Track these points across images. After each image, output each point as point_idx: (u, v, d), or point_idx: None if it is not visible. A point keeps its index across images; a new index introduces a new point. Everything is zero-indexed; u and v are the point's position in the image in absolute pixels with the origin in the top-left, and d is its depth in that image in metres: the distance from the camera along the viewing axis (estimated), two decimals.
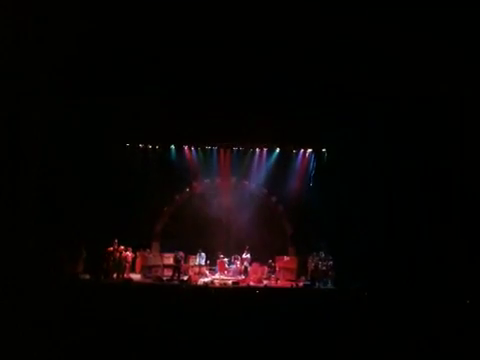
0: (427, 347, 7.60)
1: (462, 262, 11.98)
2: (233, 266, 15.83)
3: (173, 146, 17.38)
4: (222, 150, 17.49)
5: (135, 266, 15.71)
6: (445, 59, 11.49)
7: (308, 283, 14.67)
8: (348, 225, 15.03)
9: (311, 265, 15.19)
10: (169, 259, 15.39)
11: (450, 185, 12.97)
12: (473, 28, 10.55)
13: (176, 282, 14.51)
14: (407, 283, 12.49)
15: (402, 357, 7.44)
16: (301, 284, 14.58)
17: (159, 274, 15.12)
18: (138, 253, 15.67)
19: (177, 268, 14.89)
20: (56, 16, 10.65)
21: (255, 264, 15.54)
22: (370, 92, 13.21)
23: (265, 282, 14.82)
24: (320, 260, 14.99)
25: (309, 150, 17.33)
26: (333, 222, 15.34)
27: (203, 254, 15.71)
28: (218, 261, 15.93)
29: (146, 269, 15.38)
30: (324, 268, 14.83)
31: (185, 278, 14.77)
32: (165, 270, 15.34)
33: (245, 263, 15.61)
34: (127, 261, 15.10)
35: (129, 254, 15.17)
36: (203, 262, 15.68)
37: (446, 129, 12.90)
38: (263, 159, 17.49)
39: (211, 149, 17.52)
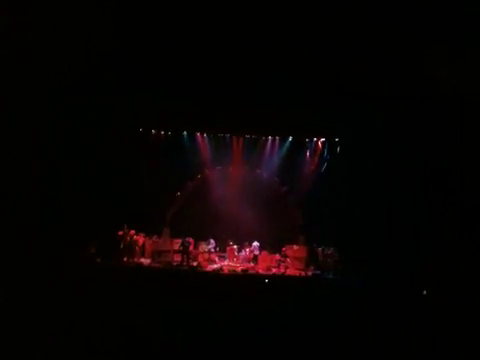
0: (427, 340, 7.63)
1: (462, 255, 11.95)
2: (242, 253, 15.88)
3: (185, 133, 17.39)
4: (235, 138, 17.46)
5: (145, 251, 15.83)
6: (445, 59, 11.35)
7: (317, 273, 14.68)
8: (355, 217, 15.03)
9: (321, 255, 15.19)
10: (178, 244, 15.49)
11: (451, 174, 12.83)
12: (473, 28, 10.42)
13: (186, 267, 14.63)
14: (410, 277, 12.59)
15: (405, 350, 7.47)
16: (310, 273, 14.60)
17: (169, 259, 15.23)
18: (148, 238, 15.79)
19: (185, 253, 14.98)
20: (56, 16, 10.72)
21: (265, 252, 15.57)
22: (370, 92, 13.16)
23: (274, 270, 14.86)
24: (330, 251, 15.01)
25: (322, 139, 17.23)
26: (342, 214, 15.33)
27: (212, 241, 15.82)
28: (228, 248, 15.99)
29: (156, 254, 15.49)
30: (335, 259, 14.83)
31: (195, 264, 14.88)
32: (175, 255, 15.43)
33: (255, 251, 15.65)
34: (138, 245, 15.26)
35: (140, 238, 15.32)
36: (212, 249, 15.78)
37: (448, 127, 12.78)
38: (275, 148, 17.43)
39: (223, 136, 17.49)
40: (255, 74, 13.06)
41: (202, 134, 17.46)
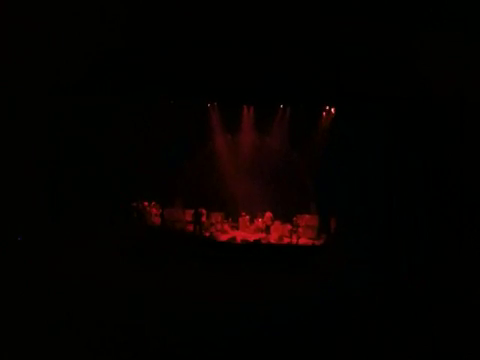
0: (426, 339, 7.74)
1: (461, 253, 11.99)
2: (254, 223, 15.96)
3: (195, 102, 17.04)
4: (245, 106, 17.15)
5: (158, 221, 15.95)
6: (445, 58, 11.05)
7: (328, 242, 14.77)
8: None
9: (333, 225, 15.20)
10: (191, 215, 15.59)
11: (451, 173, 12.68)
12: (473, 28, 10.14)
13: (198, 237, 14.82)
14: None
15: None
16: (321, 243, 14.71)
17: (181, 229, 15.37)
18: (161, 209, 15.88)
19: (198, 224, 15.13)
20: (56, 15, 10.51)
21: (277, 222, 15.63)
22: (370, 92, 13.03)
23: (286, 240, 14.97)
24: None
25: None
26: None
27: (221, 212, 15.99)
28: (240, 218, 16.07)
29: (169, 224, 15.62)
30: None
31: (207, 234, 15.04)
32: (187, 226, 15.55)
33: (267, 222, 15.71)
34: (150, 216, 15.41)
35: (152, 209, 15.46)
36: (223, 219, 15.90)
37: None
38: (287, 116, 17.13)
39: (234, 105, 17.16)
40: (254, 74, 12.96)
41: (212, 103, 17.15)
